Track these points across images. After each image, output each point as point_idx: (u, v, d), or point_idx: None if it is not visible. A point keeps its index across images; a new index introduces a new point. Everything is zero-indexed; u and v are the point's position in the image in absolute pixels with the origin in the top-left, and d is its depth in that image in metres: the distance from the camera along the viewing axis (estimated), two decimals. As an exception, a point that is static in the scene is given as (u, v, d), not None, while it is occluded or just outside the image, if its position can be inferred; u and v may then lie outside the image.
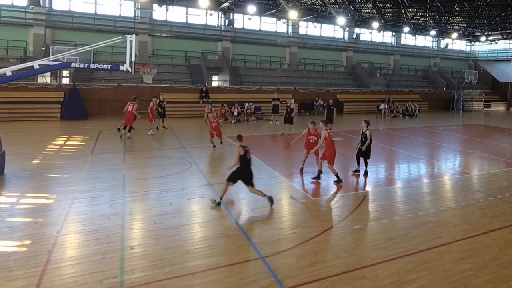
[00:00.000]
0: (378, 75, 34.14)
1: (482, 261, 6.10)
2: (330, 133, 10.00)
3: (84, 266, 5.54)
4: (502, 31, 36.81)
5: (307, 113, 27.82)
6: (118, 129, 16.63)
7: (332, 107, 19.69)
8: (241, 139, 8.34)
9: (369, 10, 32.92)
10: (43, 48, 22.29)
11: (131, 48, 11.46)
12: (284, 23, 31.86)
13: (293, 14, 27.87)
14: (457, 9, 32.85)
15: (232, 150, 14.25)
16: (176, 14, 27.86)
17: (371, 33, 36.50)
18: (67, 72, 23.63)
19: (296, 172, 11.37)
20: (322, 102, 28.56)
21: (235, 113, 22.60)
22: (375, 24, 32.47)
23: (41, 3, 23.43)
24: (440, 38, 40.08)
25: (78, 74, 22.47)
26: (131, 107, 15.39)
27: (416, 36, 37.97)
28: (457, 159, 14.71)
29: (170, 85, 24.47)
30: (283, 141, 16.98)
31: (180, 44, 27.57)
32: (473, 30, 38.74)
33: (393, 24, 34.43)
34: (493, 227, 7.48)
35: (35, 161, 11.42)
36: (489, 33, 37.63)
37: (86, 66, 12.16)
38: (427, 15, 34.21)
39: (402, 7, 31.36)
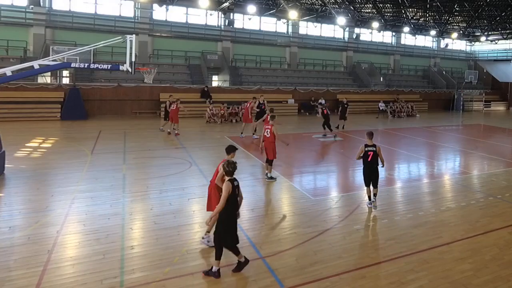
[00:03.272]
0: (381, 79, 34.01)
1: (482, 261, 6.11)
2: (267, 129, 10.27)
3: (84, 266, 5.54)
4: (502, 31, 36.78)
5: (307, 113, 27.83)
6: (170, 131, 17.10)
7: (323, 109, 18.41)
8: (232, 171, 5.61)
9: (369, 10, 32.90)
10: (43, 49, 22.30)
11: (131, 48, 11.46)
12: (284, 23, 31.86)
13: (293, 14, 27.85)
14: (457, 9, 32.81)
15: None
16: (176, 14, 27.85)
17: (371, 33, 36.48)
18: (67, 72, 23.61)
19: (296, 172, 11.38)
20: (323, 102, 28.56)
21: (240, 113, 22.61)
22: (375, 24, 32.45)
23: (41, 3, 23.41)
24: (440, 38, 40.05)
25: (78, 74, 22.46)
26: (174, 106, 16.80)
27: (416, 36, 37.94)
28: (457, 159, 14.71)
29: (170, 85, 24.47)
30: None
31: (180, 44, 27.56)
32: (473, 30, 38.71)
33: (393, 24, 34.42)
34: (493, 227, 7.48)
35: (35, 161, 11.42)
36: (489, 33, 37.59)
37: (86, 66, 12.18)
38: (427, 15, 34.18)
39: (402, 7, 31.33)
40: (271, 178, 10.18)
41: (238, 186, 5.58)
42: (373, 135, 8.27)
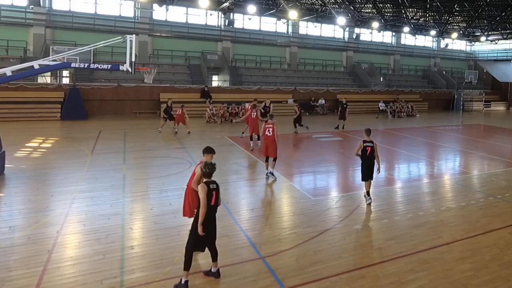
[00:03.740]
0: (381, 79, 34.00)
1: (482, 261, 6.10)
2: (268, 127, 10.30)
3: (84, 266, 5.54)
4: (502, 31, 36.77)
5: (307, 113, 27.82)
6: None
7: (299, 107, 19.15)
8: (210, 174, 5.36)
9: (369, 10, 32.89)
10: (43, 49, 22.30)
11: (131, 48, 11.47)
12: (284, 23, 31.85)
13: (293, 14, 27.84)
14: (457, 9, 32.81)
15: (234, 150, 14.27)
16: (176, 14, 27.85)
17: (371, 33, 36.47)
18: (67, 72, 23.61)
19: (296, 172, 11.38)
20: (323, 102, 28.54)
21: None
22: (375, 24, 32.44)
23: (41, 3, 23.41)
24: (440, 38, 40.05)
25: (78, 74, 22.46)
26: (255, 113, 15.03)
27: (416, 36, 37.94)
28: (457, 159, 14.71)
29: (170, 85, 24.47)
30: (285, 140, 16.98)
31: (180, 44, 27.56)
32: (473, 30, 38.70)
33: (393, 24, 34.41)
34: (493, 227, 7.48)
35: (35, 161, 11.42)
36: (489, 33, 37.57)
37: (86, 66, 12.18)
38: (427, 15, 34.18)
39: (402, 7, 31.33)
40: (272, 174, 10.21)
41: (216, 189, 5.24)
42: (371, 132, 8.55)
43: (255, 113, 14.04)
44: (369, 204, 8.42)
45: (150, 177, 10.21)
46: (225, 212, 7.70)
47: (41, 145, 13.71)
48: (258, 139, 13.90)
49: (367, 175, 8.46)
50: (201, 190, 5.10)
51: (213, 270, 5.32)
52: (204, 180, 5.26)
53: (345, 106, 20.47)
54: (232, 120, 22.70)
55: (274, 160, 10.28)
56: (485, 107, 37.24)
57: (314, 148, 15.54)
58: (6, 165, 10.06)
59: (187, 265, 5.07)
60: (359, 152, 8.41)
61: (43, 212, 7.48)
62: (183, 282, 5.05)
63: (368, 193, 8.53)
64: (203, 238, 5.12)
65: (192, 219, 5.66)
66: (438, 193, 9.91)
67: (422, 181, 11.17)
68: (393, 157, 14.20)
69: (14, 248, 6.02)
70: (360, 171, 8.66)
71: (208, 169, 5.23)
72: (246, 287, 5.18)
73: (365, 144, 8.35)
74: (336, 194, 9.51)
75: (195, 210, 5.83)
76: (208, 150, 6.12)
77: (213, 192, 5.20)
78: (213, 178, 5.34)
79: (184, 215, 6.32)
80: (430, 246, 6.51)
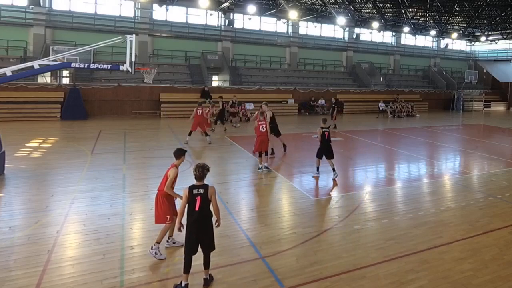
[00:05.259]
0: (381, 79, 34.00)
1: (482, 261, 6.10)
2: (262, 124, 11.15)
3: (84, 266, 5.54)
4: (502, 31, 36.77)
5: (307, 113, 27.84)
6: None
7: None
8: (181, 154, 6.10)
9: (369, 10, 32.90)
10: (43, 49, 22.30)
11: (131, 48, 11.47)
12: (284, 23, 31.86)
13: (293, 14, 27.85)
14: (457, 9, 32.82)
15: (233, 150, 14.27)
16: (176, 14, 27.86)
17: (371, 33, 36.48)
18: (67, 72, 23.62)
19: (296, 172, 11.39)
20: (323, 102, 28.55)
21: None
22: (375, 24, 32.45)
23: (41, 3, 23.42)
24: (440, 38, 40.05)
25: (78, 74, 22.46)
26: (200, 111, 14.91)
27: (416, 36, 37.94)
28: (457, 159, 14.70)
29: (170, 85, 24.48)
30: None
31: (180, 44, 27.57)
32: (473, 30, 38.71)
33: (393, 24, 34.41)
34: (493, 227, 7.47)
35: (35, 161, 11.42)
36: (489, 33, 37.58)
37: (86, 66, 12.16)
38: (427, 15, 34.19)
39: (402, 7, 31.35)
40: (267, 168, 11.08)
41: (202, 194, 4.96)
42: (327, 120, 10.80)
43: (200, 111, 14.77)
44: (335, 178, 10.22)
45: (150, 177, 10.20)
46: (225, 212, 7.69)
47: (41, 145, 13.71)
48: (207, 135, 14.88)
49: (322, 155, 10.53)
50: (183, 195, 5.10)
51: (204, 276, 5.19)
52: (197, 183, 5.11)
53: (333, 105, 20.66)
54: (232, 121, 22.50)
55: (266, 154, 11.20)
56: (485, 107, 37.24)
57: (314, 148, 15.48)
58: (6, 165, 10.06)
59: (186, 268, 5.03)
60: (319, 136, 10.48)
61: (43, 212, 7.49)
62: (183, 285, 5.03)
63: (317, 168, 10.71)
64: (192, 241, 5.01)
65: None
66: (438, 193, 9.91)
67: (422, 181, 11.17)
68: (393, 157, 14.20)
69: (14, 248, 6.02)
70: (317, 150, 10.69)
71: (198, 172, 5.09)
72: (246, 287, 5.18)
73: (323, 130, 10.48)
74: (336, 194, 9.51)
75: (168, 216, 5.84)
76: (179, 153, 6.02)
77: (196, 198, 4.97)
78: (210, 179, 5.29)
79: (156, 222, 5.99)
80: (430, 246, 6.51)
